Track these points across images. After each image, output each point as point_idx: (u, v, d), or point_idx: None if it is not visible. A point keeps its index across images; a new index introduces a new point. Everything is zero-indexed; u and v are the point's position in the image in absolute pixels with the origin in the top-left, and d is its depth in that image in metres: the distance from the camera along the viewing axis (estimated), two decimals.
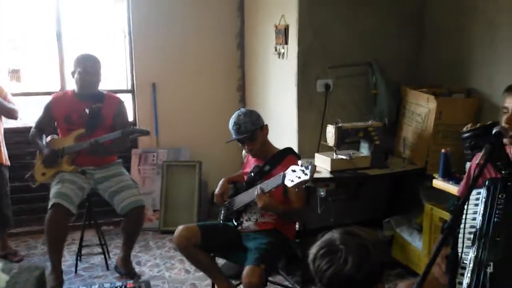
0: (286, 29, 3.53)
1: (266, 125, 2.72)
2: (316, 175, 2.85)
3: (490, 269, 1.69)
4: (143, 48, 4.17)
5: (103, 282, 3.09)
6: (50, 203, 3.06)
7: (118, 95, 3.57)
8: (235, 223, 2.70)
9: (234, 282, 2.77)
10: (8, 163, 3.53)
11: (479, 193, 1.83)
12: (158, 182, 4.20)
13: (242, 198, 2.66)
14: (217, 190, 2.82)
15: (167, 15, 4.17)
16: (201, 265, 2.70)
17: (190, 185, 4.18)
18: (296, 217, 2.72)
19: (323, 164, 3.18)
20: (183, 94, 4.32)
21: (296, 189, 2.39)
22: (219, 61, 4.38)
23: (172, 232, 2.77)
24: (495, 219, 1.75)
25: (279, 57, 3.69)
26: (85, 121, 3.24)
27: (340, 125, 3.12)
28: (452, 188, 2.76)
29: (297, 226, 2.79)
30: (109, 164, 3.36)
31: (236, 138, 2.68)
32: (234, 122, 2.65)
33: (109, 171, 3.33)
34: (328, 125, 3.20)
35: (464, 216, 1.81)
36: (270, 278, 2.86)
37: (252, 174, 2.71)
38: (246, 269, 2.37)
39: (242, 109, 2.72)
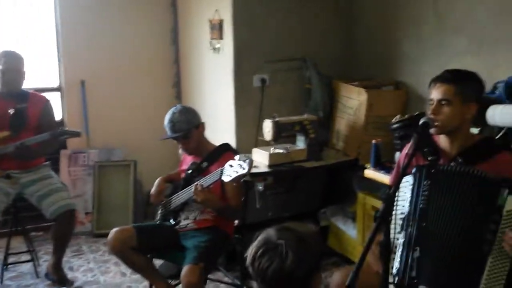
0: (221, 23, 3.50)
1: (203, 123, 2.68)
2: (254, 170, 2.85)
3: (417, 254, 1.77)
4: (71, 44, 3.97)
5: None
6: None
7: (45, 94, 3.41)
8: (173, 223, 2.64)
9: (173, 282, 2.72)
10: None
11: (407, 181, 1.90)
12: (90, 183, 4.04)
13: (180, 196, 2.61)
14: (153, 190, 2.74)
15: (97, 8, 3.99)
16: (138, 268, 2.62)
17: (125, 185, 4.06)
18: (234, 215, 2.70)
19: (261, 159, 3.19)
20: (115, 92, 4.16)
21: (234, 184, 2.38)
22: (153, 57, 4.26)
23: (106, 235, 2.66)
24: (421, 205, 1.83)
25: (214, 52, 3.65)
26: (9, 122, 3.06)
27: (277, 119, 3.15)
28: (383, 177, 2.86)
29: (236, 221, 2.79)
30: (36, 167, 3.19)
31: (170, 137, 2.62)
32: (169, 119, 2.59)
33: (36, 174, 3.16)
34: (265, 119, 3.22)
35: (395, 203, 1.88)
36: (209, 276, 2.84)
37: (190, 171, 2.66)
38: (185, 268, 2.34)
39: (178, 106, 2.67)
